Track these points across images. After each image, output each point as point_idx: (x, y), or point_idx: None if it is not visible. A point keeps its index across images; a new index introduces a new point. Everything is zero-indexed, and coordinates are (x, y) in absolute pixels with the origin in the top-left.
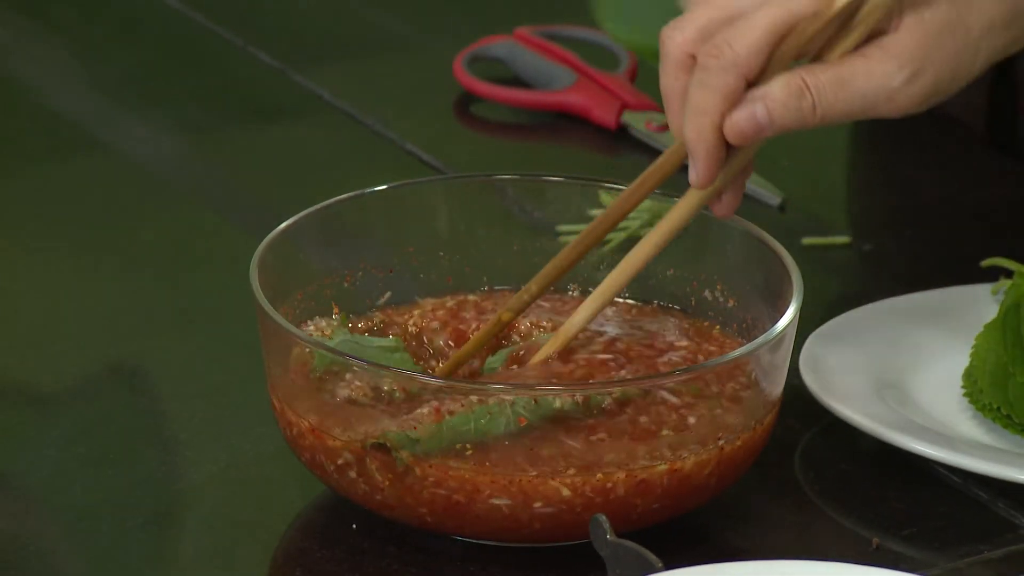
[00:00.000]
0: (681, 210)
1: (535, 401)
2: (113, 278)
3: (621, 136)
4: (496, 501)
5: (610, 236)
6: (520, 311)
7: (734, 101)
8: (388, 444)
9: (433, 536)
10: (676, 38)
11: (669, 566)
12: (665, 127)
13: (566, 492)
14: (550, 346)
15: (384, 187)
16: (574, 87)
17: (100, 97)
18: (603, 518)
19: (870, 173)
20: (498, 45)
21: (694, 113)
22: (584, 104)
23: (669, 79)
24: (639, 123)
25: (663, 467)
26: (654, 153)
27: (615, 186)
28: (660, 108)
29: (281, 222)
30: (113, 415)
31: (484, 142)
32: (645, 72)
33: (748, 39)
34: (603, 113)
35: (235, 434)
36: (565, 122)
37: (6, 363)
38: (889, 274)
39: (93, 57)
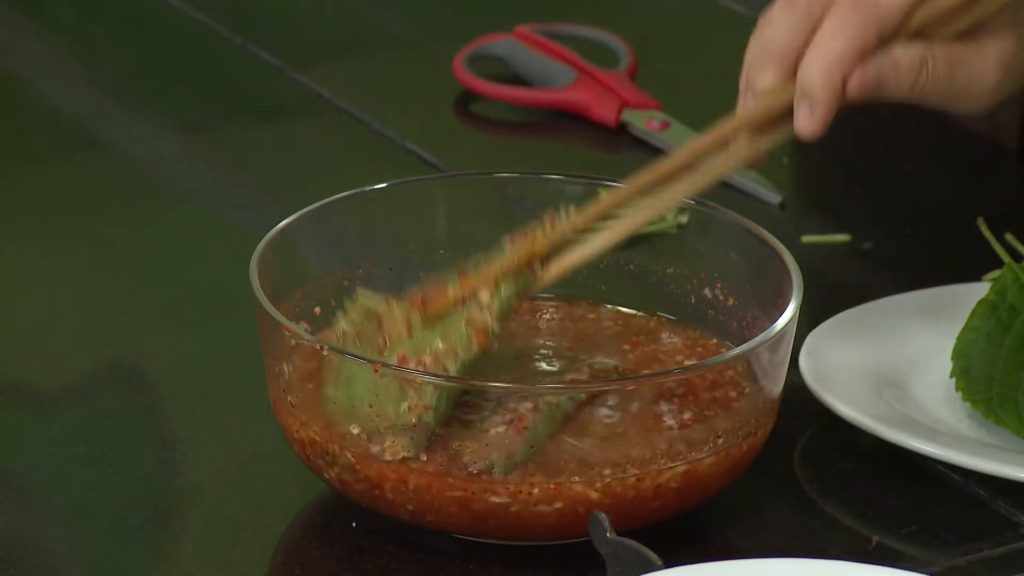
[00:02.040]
0: (722, 164)
1: (570, 398)
2: (112, 276)
3: (621, 134)
4: (544, 508)
5: None
6: (558, 243)
7: (867, 55)
8: (496, 472)
9: (433, 534)
10: None
11: (669, 564)
12: (665, 125)
13: (595, 495)
14: (573, 257)
15: (384, 185)
16: (574, 85)
17: (100, 96)
18: (603, 516)
19: (870, 173)
20: (498, 43)
21: (828, 61)
22: (584, 102)
23: (785, 31)
24: (639, 121)
25: (662, 466)
26: (654, 151)
27: (615, 184)
28: (660, 106)
29: (281, 221)
30: (112, 414)
31: (484, 140)
32: (645, 70)
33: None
34: (603, 111)
35: (234, 432)
36: (565, 120)
37: (5, 362)
38: (889, 273)
39: (93, 56)
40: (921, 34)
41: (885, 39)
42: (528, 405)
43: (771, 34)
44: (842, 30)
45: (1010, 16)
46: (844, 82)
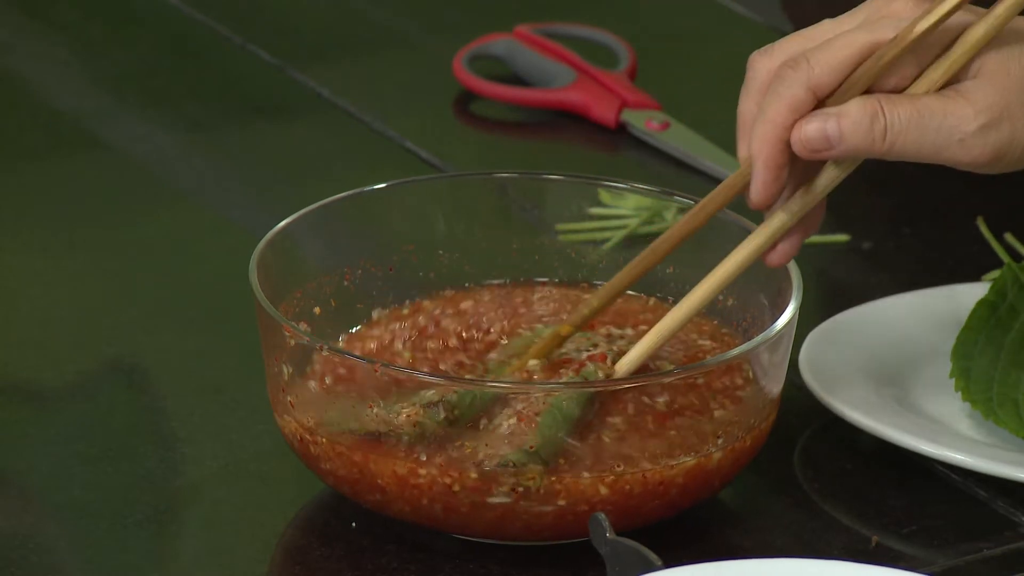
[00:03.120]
0: (737, 258)
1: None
2: (112, 275)
3: (621, 134)
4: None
5: (609, 235)
6: (580, 326)
7: (801, 114)
8: (513, 465)
9: (432, 533)
10: (764, 63)
11: (669, 564)
12: (665, 125)
13: (604, 490)
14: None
15: (383, 185)
16: (574, 85)
17: (100, 94)
18: (603, 516)
19: (870, 173)
20: (498, 43)
21: (761, 122)
22: (584, 102)
23: (748, 102)
24: (639, 121)
25: (662, 466)
26: (654, 151)
27: (615, 184)
28: (659, 106)
29: (280, 220)
30: (112, 412)
31: (484, 140)
32: (645, 70)
33: (826, 56)
34: (603, 111)
35: (234, 431)
36: (565, 120)
37: (5, 360)
38: (888, 273)
39: (93, 54)
40: (898, 90)
41: (820, 95)
42: (532, 408)
43: (740, 108)
44: (775, 91)
45: (999, 63)
46: (781, 143)
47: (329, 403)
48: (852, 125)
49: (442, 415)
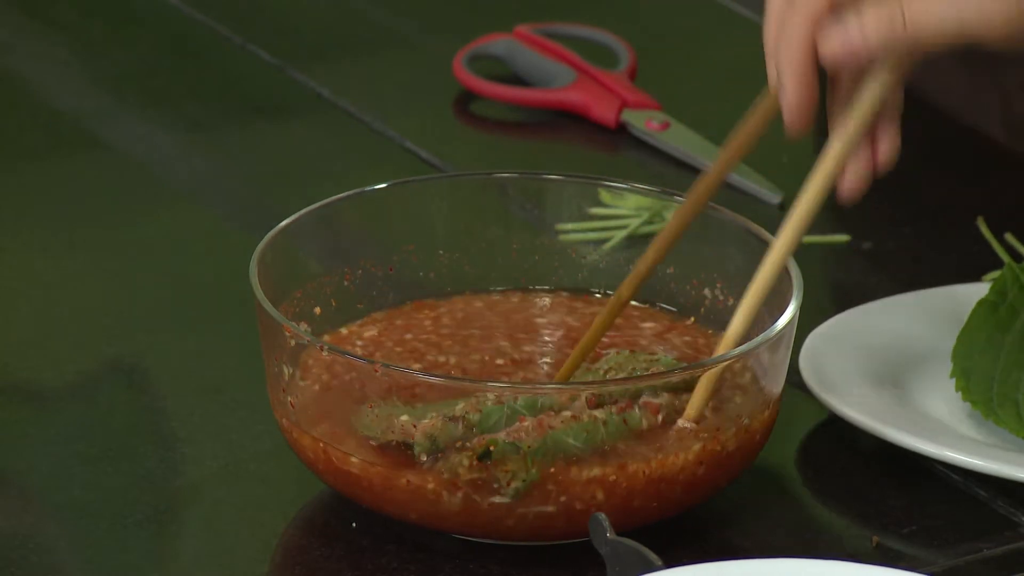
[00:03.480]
0: (806, 204)
1: (624, 422)
2: (112, 275)
3: (621, 134)
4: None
5: (609, 235)
6: (638, 287)
7: (819, 22)
8: (493, 453)
9: (432, 533)
10: None
11: (669, 564)
12: (665, 125)
13: (601, 495)
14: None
15: (384, 185)
16: (574, 85)
17: (100, 94)
18: (603, 516)
19: None
20: (498, 43)
21: (784, 40)
22: (584, 102)
23: (770, 26)
24: (639, 121)
25: (661, 465)
26: (654, 151)
27: (615, 184)
28: (659, 106)
29: (281, 220)
30: (112, 412)
31: (484, 140)
32: (645, 70)
33: None
34: (603, 111)
35: (234, 431)
36: (565, 120)
37: (5, 360)
38: (888, 272)
39: (93, 54)
40: None
41: (837, 3)
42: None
43: (764, 35)
44: (792, 6)
45: None
46: (807, 56)
47: (334, 405)
48: (871, 21)
49: (460, 431)
